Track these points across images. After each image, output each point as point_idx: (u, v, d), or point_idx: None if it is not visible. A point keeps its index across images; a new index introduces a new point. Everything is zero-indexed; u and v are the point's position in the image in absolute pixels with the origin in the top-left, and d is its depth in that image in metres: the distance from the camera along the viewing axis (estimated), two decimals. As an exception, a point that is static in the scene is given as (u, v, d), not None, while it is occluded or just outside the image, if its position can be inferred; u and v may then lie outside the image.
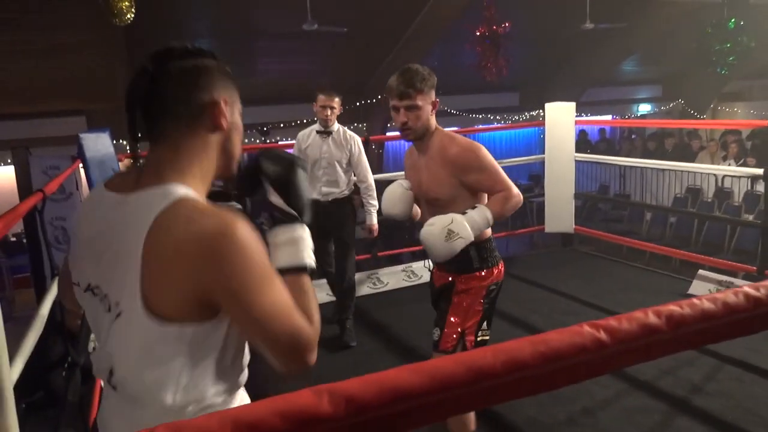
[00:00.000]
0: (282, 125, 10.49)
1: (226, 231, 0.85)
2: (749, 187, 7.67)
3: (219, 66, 1.01)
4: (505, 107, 12.00)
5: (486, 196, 2.13)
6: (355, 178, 3.68)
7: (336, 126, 3.61)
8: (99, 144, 3.53)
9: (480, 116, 11.28)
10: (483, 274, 2.12)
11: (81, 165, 3.60)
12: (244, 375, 1.02)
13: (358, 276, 4.54)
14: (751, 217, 6.73)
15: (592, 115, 11.87)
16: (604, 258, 5.19)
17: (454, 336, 2.09)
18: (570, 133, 4.88)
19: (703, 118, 13.31)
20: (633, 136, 11.99)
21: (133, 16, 5.18)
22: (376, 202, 3.67)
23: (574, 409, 2.73)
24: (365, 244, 4.79)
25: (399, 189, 2.23)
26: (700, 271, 4.21)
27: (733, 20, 8.42)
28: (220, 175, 1.03)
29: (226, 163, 1.03)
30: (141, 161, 1.00)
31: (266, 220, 1.02)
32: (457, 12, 8.05)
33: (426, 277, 4.79)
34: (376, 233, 3.76)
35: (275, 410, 0.40)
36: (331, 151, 3.57)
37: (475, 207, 2.03)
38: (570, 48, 10.46)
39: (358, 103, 10.06)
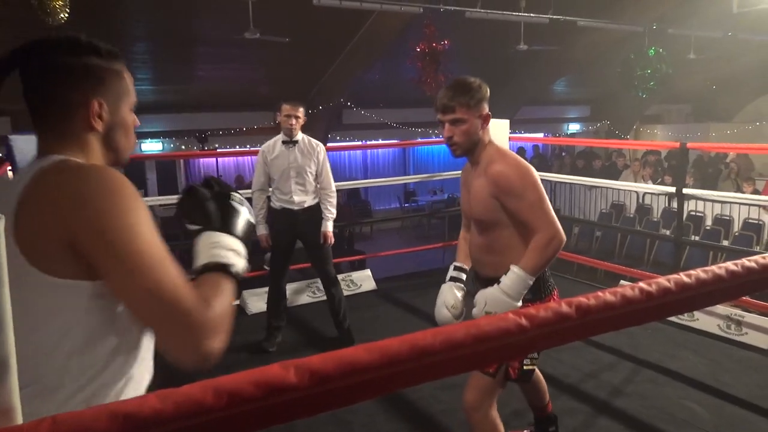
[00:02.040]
0: (221, 132, 10.36)
1: (97, 174, 0.87)
2: (667, 204, 8.23)
3: (99, 63, 0.98)
4: (444, 122, 12.30)
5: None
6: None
7: (300, 135, 3.66)
8: (30, 146, 3.40)
9: (420, 130, 11.55)
10: (535, 305, 1.96)
11: (9, 168, 3.45)
12: (143, 365, 0.99)
13: (296, 285, 4.57)
14: (667, 232, 7.23)
15: (525, 132, 12.38)
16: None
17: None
18: (504, 149, 5.09)
19: (627, 138, 14.15)
20: (563, 154, 12.58)
21: (66, 15, 5.03)
22: (334, 210, 3.76)
23: (506, 412, 2.85)
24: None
25: (451, 295, 2.11)
26: (622, 282, 4.49)
27: (653, 49, 9.05)
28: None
29: (114, 157, 1.04)
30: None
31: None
32: (399, 28, 8.25)
33: (365, 286, 4.88)
34: (331, 240, 3.78)
35: (250, 380, 0.46)
36: (299, 160, 3.62)
37: (509, 270, 1.91)
38: (506, 67, 10.89)
39: (299, 113, 10.06)
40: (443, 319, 2.11)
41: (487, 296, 1.94)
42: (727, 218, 7.69)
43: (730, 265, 0.70)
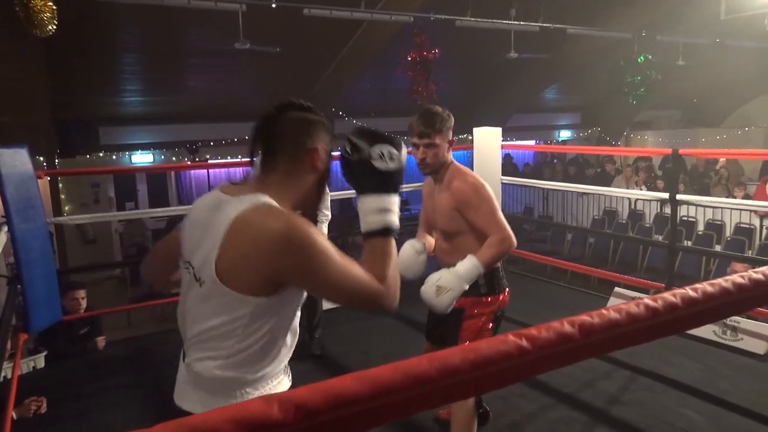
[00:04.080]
0: (212, 143, 10.30)
1: (291, 230, 1.10)
2: (659, 210, 8.25)
3: (322, 121, 1.28)
4: (435, 130, 12.31)
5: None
6: None
7: None
8: (16, 160, 3.35)
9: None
10: (489, 300, 2.29)
11: (-5, 182, 3.39)
12: (286, 356, 1.28)
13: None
14: (660, 237, 7.24)
15: (517, 139, 12.39)
16: (529, 277, 5.40)
17: None
18: (497, 157, 5.08)
19: (618, 145, 14.22)
20: (555, 161, 12.61)
21: (54, 27, 4.98)
22: (328, 213, 3.86)
23: (503, 423, 2.82)
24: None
25: (410, 251, 2.38)
26: (616, 289, 4.47)
27: (642, 56, 9.11)
28: (302, 209, 1.27)
29: (312, 201, 1.29)
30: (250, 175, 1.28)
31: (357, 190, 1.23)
32: (389, 37, 8.25)
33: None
34: None
35: (229, 417, 0.42)
36: None
37: (467, 257, 2.17)
38: (496, 75, 10.92)
39: (290, 123, 10.01)
40: (406, 256, 2.37)
41: (441, 274, 2.17)
42: (719, 223, 7.72)
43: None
